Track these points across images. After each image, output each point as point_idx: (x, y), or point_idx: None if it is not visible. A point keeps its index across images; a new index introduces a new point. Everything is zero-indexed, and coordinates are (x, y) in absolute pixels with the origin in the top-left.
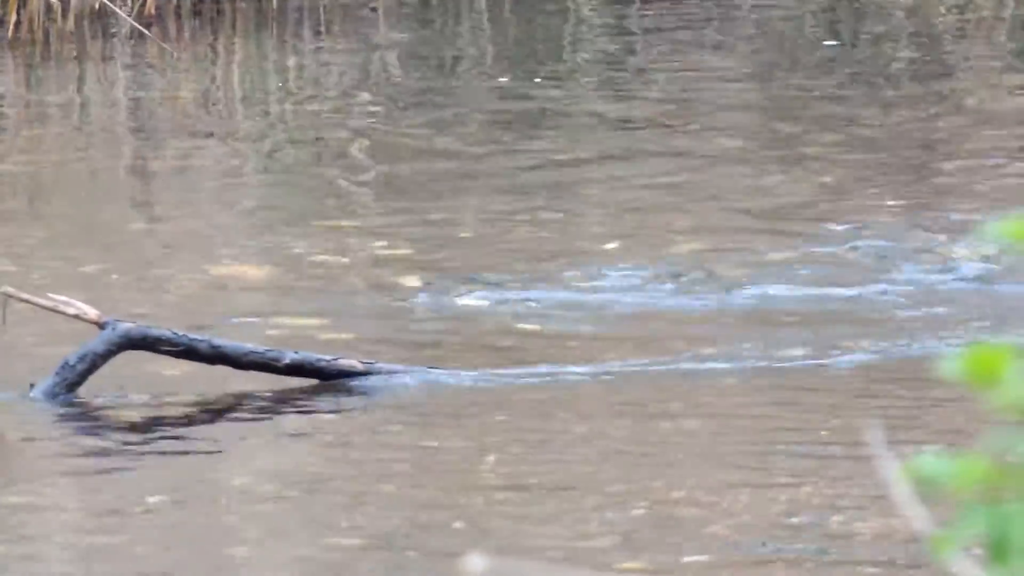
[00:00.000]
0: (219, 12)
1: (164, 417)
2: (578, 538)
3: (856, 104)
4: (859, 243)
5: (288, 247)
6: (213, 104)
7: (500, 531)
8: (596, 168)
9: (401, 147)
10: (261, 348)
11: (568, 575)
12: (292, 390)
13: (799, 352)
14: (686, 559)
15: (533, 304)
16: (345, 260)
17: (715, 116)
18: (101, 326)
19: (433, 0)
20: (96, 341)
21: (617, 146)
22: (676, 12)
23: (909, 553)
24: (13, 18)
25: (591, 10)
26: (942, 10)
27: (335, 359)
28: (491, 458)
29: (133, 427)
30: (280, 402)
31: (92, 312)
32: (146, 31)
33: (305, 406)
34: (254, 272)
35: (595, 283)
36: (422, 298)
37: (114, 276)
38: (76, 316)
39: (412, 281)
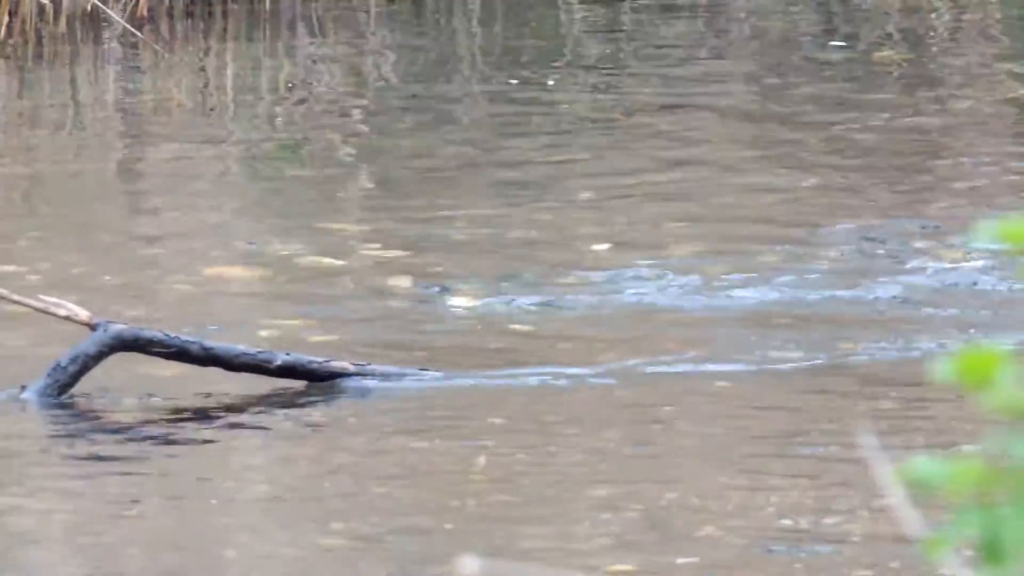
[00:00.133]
0: (211, 14)
1: (156, 419)
2: (571, 540)
3: (851, 106)
4: (854, 245)
5: (280, 249)
6: (205, 106)
7: (493, 533)
8: (589, 169)
9: (393, 149)
10: (253, 350)
11: None
12: (284, 392)
13: (793, 354)
14: (679, 560)
15: (526, 306)
16: (337, 262)
17: (708, 117)
18: (93, 327)
19: (426, 1)
20: (88, 343)
21: (610, 147)
22: (669, 13)
23: (902, 555)
24: (5, 20)
25: (584, 11)
26: (936, 11)
27: (327, 361)
28: (483, 460)
29: (125, 429)
30: (272, 404)
31: (84, 313)
32: (138, 33)
33: (297, 408)
34: (246, 274)
35: (588, 285)
36: (414, 300)
37: (106, 278)
38: (67, 317)
39: (404, 282)
